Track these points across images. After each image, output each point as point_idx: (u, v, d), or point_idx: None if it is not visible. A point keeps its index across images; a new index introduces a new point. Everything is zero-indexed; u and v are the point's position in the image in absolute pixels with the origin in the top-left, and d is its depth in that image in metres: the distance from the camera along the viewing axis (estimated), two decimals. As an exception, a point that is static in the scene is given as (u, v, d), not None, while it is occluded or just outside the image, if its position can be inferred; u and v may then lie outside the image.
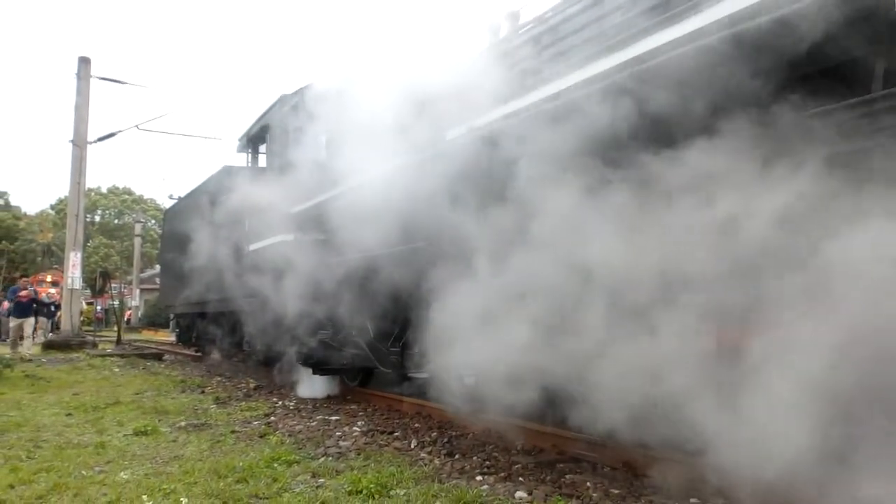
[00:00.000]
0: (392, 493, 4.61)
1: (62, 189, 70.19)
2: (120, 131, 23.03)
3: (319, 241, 8.73)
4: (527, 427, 6.15)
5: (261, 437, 6.75)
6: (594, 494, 4.61)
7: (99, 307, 42.77)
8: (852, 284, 3.24)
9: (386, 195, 6.57)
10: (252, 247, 11.13)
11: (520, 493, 4.61)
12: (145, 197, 65.73)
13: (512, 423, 6.11)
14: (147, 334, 37.43)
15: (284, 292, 9.07)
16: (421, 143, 6.38)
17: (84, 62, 21.28)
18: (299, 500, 4.49)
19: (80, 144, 20.91)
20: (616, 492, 4.67)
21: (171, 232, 18.20)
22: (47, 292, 25.81)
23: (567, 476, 5.08)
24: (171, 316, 24.03)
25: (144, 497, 4.56)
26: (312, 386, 9.87)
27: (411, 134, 6.40)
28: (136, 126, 22.08)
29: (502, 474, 5.15)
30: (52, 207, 62.64)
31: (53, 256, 53.58)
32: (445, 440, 6.42)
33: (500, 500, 4.51)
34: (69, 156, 21.02)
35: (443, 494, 4.57)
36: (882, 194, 3.18)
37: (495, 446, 6.10)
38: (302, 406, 8.96)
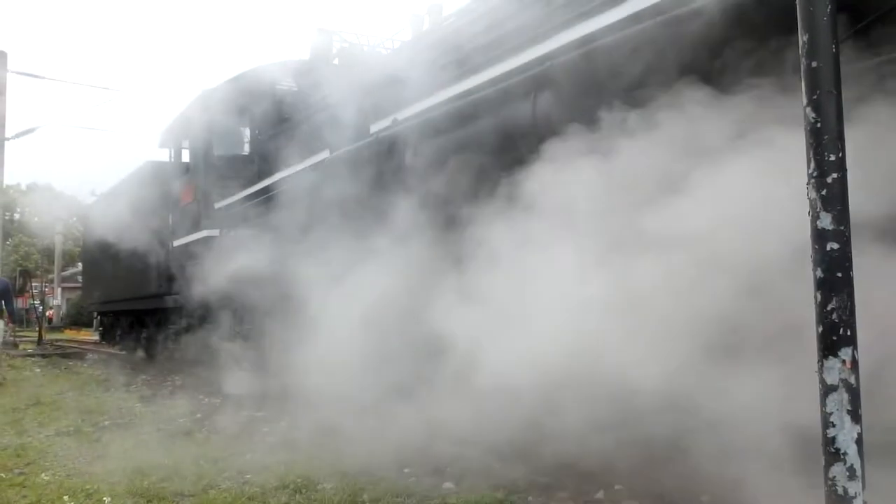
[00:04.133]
0: (319, 486, 4.64)
1: (-22, 185, 67.39)
2: (39, 127, 22.33)
3: (245, 236, 8.66)
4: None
5: (187, 434, 6.68)
6: (521, 484, 4.68)
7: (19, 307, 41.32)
8: None
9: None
10: (176, 242, 10.96)
11: (447, 485, 4.68)
12: (67, 194, 63.53)
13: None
14: (70, 334, 36.32)
15: (210, 288, 8.96)
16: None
17: (0, 56, 20.53)
18: (225, 497, 4.49)
19: (-4, 140, 20.15)
20: (544, 480, 4.75)
21: (94, 229, 17.73)
22: None
23: (495, 466, 5.13)
24: (95, 314, 23.45)
25: (66, 498, 4.49)
26: (239, 382, 9.75)
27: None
28: (57, 122, 21.38)
29: (430, 467, 5.16)
30: (-31, 205, 60.14)
31: (-30, 255, 51.48)
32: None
33: (426, 490, 4.57)
34: (-14, 153, 20.22)
35: (370, 487, 4.61)
36: None
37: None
38: (229, 402, 8.86)
